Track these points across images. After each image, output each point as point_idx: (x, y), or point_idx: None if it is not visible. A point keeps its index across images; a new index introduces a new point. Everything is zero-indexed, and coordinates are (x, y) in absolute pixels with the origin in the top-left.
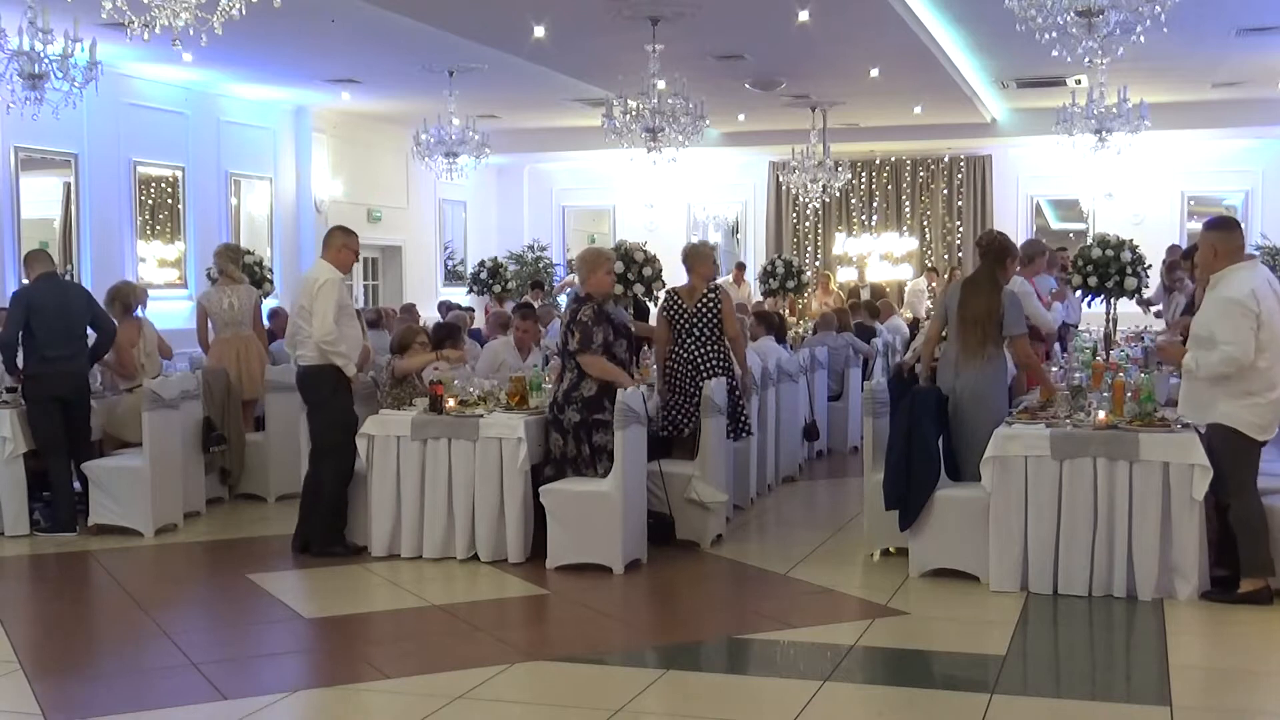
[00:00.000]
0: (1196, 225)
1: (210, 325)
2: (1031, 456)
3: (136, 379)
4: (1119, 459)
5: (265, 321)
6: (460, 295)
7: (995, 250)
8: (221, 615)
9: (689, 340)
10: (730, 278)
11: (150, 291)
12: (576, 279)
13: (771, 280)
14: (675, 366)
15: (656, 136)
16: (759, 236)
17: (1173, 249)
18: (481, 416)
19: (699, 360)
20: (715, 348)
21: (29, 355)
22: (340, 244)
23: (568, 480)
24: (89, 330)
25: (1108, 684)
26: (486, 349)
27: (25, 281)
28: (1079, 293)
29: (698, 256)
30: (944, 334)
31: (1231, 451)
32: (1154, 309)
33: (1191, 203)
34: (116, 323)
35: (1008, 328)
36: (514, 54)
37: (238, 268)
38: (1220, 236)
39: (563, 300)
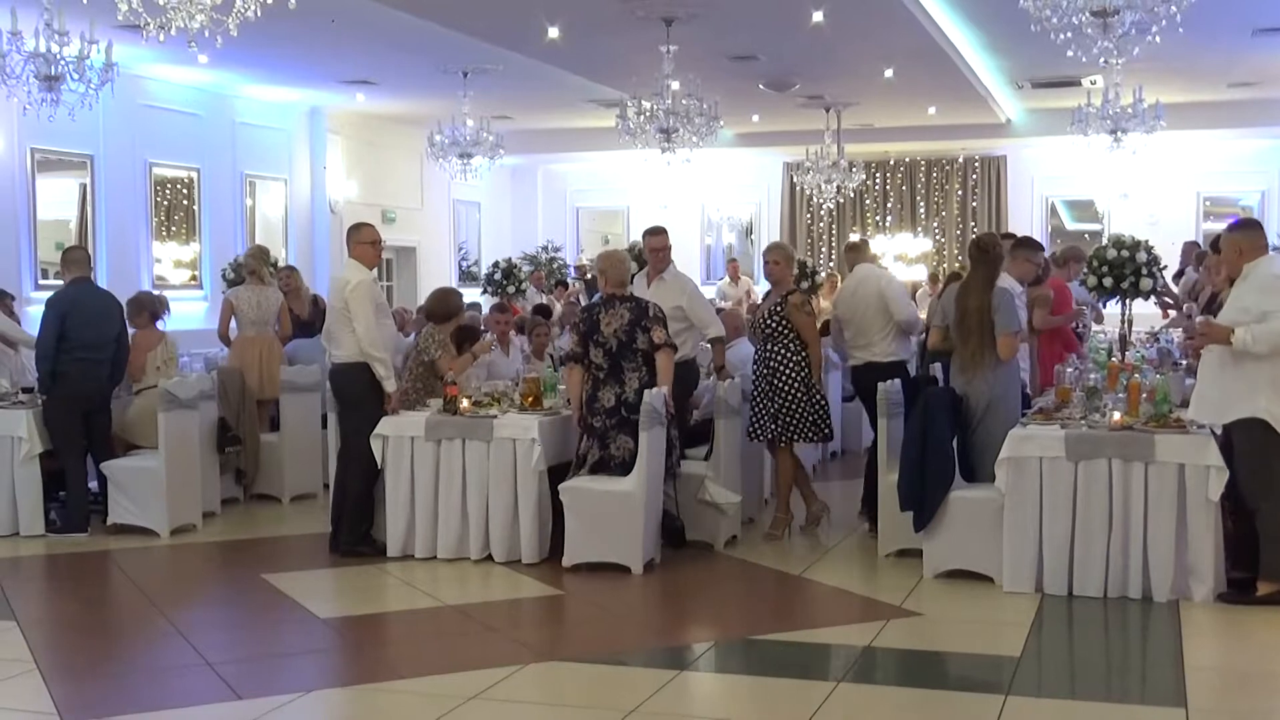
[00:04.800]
0: (1212, 225)
1: (235, 323)
2: (1046, 458)
3: (142, 381)
4: (1134, 460)
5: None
6: (475, 296)
7: (994, 256)
8: (237, 615)
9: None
10: (726, 277)
11: (165, 292)
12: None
13: None
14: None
15: (670, 137)
16: (773, 237)
17: (1188, 246)
18: (495, 417)
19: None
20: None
21: (60, 355)
22: (357, 240)
23: (588, 478)
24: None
25: (1123, 686)
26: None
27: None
28: (1094, 294)
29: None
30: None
31: (1263, 450)
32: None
33: (1207, 203)
34: (138, 330)
35: (999, 326)
36: (528, 55)
37: (266, 270)
38: (1244, 236)
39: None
